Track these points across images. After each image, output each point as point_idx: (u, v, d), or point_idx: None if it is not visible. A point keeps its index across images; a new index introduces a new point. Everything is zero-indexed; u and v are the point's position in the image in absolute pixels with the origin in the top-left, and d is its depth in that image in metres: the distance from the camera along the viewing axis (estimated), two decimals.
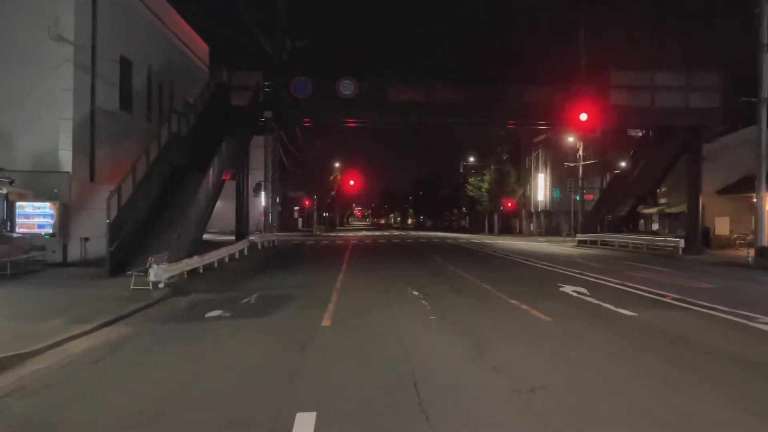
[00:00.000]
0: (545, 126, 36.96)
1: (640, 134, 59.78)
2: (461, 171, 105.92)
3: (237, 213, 30.94)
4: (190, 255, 18.05)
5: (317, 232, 63.85)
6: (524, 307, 11.77)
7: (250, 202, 34.37)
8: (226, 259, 22.70)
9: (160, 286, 14.82)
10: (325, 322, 10.29)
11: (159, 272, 14.69)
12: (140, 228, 19.03)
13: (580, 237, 42.32)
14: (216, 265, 20.66)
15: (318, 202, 67.09)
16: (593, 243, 39.94)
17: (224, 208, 43.44)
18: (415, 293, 13.90)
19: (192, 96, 27.93)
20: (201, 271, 18.69)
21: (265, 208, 34.23)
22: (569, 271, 19.68)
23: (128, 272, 15.25)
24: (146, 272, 14.66)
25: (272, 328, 9.94)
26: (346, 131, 72.75)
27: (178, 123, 24.04)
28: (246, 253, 26.63)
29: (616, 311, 11.36)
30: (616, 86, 31.60)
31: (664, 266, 22.89)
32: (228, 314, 11.51)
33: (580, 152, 45.89)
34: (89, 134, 22.22)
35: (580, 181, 46.14)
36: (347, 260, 24.74)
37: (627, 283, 15.95)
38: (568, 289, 14.70)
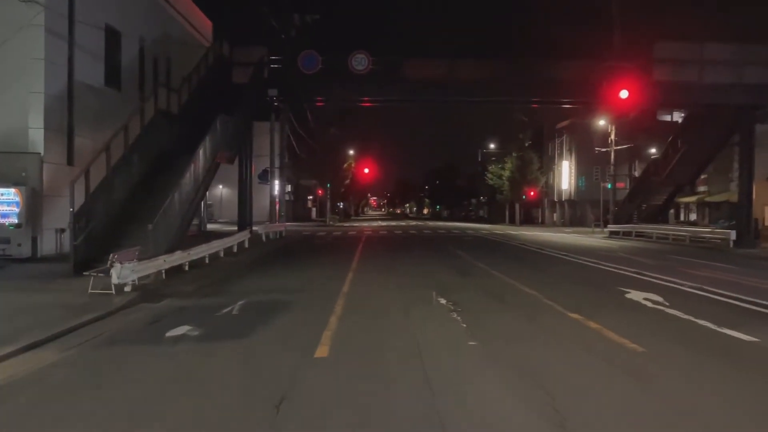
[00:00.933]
0: (580, 104, 33.40)
1: (681, 115, 56.40)
2: (479, 159, 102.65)
3: (239, 202, 28.13)
4: (171, 250, 15.25)
5: (330, 222, 61.03)
6: (592, 325, 8.75)
7: (254, 190, 31.59)
8: (221, 254, 19.89)
9: (126, 289, 12.04)
10: (321, 350, 7.36)
11: (124, 272, 11.89)
12: (117, 218, 16.24)
13: (612, 228, 39.12)
14: (207, 261, 17.84)
15: (331, 191, 64.12)
16: (627, 234, 36.74)
17: (236, 197, 40.54)
18: (442, 301, 10.93)
19: (187, 71, 25.01)
20: (186, 268, 15.88)
21: (272, 197, 31.39)
22: (620, 270, 16.60)
23: (85, 273, 12.44)
24: (108, 272, 11.89)
25: (246, 361, 7.04)
26: (360, 116, 69.59)
27: (168, 99, 21.18)
28: (247, 245, 23.81)
29: (724, 333, 8.29)
30: (660, 60, 28.23)
31: (723, 262, 19.75)
32: (196, 333, 8.65)
33: (612, 136, 42.42)
34: (66, 111, 19.40)
35: (611, 167, 42.68)
36: (359, 255, 21.84)
37: (705, 287, 12.83)
38: (635, 295, 11.64)
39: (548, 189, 67.85)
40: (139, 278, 12.96)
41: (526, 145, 65.19)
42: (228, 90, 26.37)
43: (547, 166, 66.66)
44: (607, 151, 47.14)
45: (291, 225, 49.81)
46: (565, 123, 63.01)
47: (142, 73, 25.40)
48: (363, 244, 28.29)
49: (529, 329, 8.62)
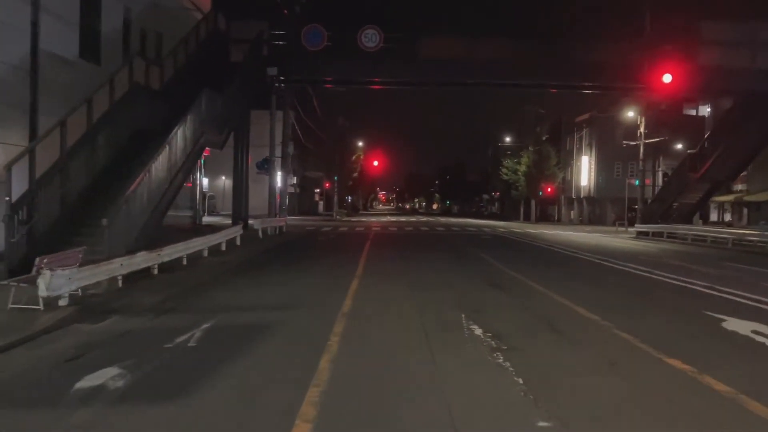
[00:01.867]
0: (616, 90, 30.05)
1: (708, 110, 53.19)
2: (491, 154, 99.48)
3: (234, 193, 25.35)
4: (135, 249, 12.41)
5: (337, 217, 58.16)
6: (715, 384, 5.75)
7: (256, 181, 28.80)
8: (205, 253, 17.08)
9: (62, 303, 9.22)
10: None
11: (57, 282, 9.04)
12: (73, 210, 13.45)
13: (639, 228, 36.01)
14: (185, 263, 15.04)
15: (339, 184, 61.14)
16: (657, 235, 33.60)
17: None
18: (478, 332, 8.01)
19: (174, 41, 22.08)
20: (155, 272, 13.08)
21: (272, 188, 28.49)
22: (685, 282, 13.58)
23: (2, 282, 9.63)
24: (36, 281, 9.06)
25: None
26: (370, 106, 66.75)
27: (147, 72, 18.31)
28: (239, 242, 21.00)
29: None
30: (707, 42, 25.17)
31: None
32: (120, 383, 5.81)
33: (642, 129, 39.15)
34: (28, 84, 16.57)
35: (640, 162, 39.49)
36: (365, 256, 18.92)
37: None
38: (737, 325, 8.61)
39: (565, 185, 64.77)
40: (86, 287, 10.17)
41: (544, 138, 62.11)
42: (224, 69, 23.52)
43: (565, 161, 63.55)
44: (632, 145, 44.02)
45: (295, 219, 47.10)
46: (584, 116, 59.93)
47: (127, 47, 22.52)
48: (371, 242, 25.40)
49: (622, 390, 5.68)
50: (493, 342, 7.40)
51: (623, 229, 40.85)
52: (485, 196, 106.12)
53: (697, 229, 31.85)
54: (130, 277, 11.90)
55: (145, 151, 15.55)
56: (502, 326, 8.30)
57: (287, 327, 8.36)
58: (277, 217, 28.56)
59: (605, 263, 17.84)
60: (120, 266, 11.20)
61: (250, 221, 25.46)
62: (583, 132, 60.97)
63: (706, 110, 57.03)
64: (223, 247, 19.01)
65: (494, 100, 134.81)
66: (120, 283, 11.27)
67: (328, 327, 8.17)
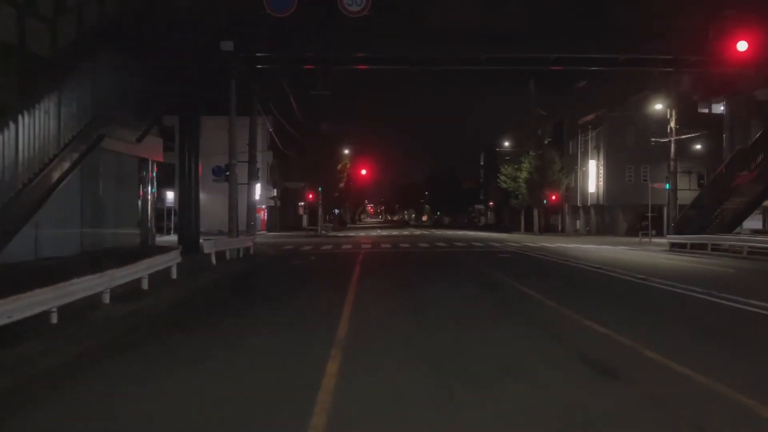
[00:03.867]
0: (672, 64, 23.56)
1: (722, 107, 48.30)
2: (483, 162, 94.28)
3: (180, 208, 19.40)
4: None
5: (323, 232, 52.18)
6: None
7: (220, 193, 22.79)
8: (107, 298, 11.05)
9: None
10: None
11: None
12: None
13: (674, 239, 30.46)
14: (55, 320, 9.03)
15: (324, 195, 55.03)
16: (698, 247, 27.98)
17: (217, 202, 31.40)
18: None
19: None
20: None
21: (232, 200, 22.34)
22: None
23: None
24: None
25: None
26: (355, 112, 61.05)
27: (23, 32, 12.30)
28: (174, 275, 14.98)
29: None
30: None
31: None
32: None
33: (672, 124, 33.68)
34: None
35: (671, 163, 33.91)
36: (353, 296, 12.87)
37: None
38: None
39: (569, 193, 59.36)
40: None
41: (546, 142, 56.74)
42: (163, 44, 17.62)
43: (569, 166, 58.28)
44: (651, 146, 39.01)
45: (274, 236, 41.37)
46: (589, 117, 54.84)
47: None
48: (360, 268, 19.45)
49: None
50: None
51: (647, 239, 35.32)
52: (478, 206, 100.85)
53: (757, 240, 26.23)
54: None
55: None
56: None
57: None
58: (240, 236, 22.56)
59: (718, 301, 11.87)
60: None
61: (202, 240, 19.55)
62: (589, 134, 55.77)
63: (719, 108, 52.47)
64: (145, 285, 13.00)
65: (488, 102, 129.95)
66: None
67: None
